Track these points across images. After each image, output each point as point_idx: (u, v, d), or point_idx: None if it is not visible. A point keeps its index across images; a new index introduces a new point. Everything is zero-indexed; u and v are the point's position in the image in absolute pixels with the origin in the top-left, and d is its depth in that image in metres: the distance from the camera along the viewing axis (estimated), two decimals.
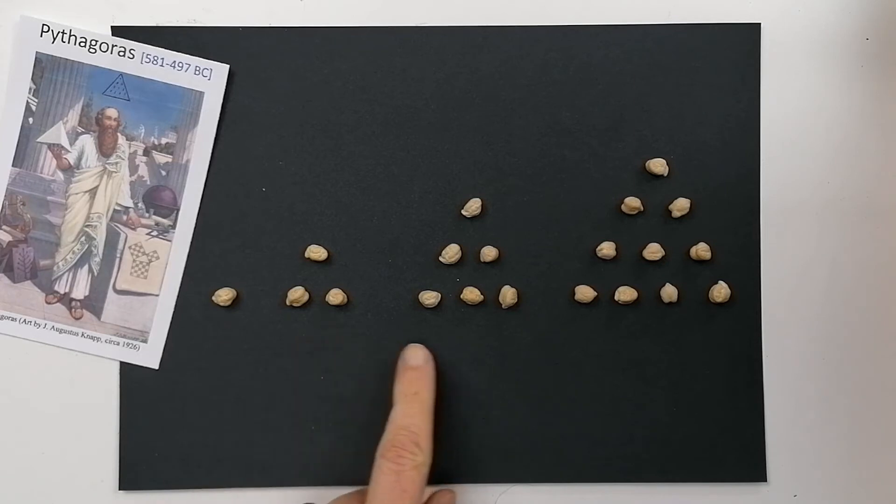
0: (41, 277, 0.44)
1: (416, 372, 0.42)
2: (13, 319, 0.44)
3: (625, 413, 0.44)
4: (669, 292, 0.43)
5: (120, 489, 0.43)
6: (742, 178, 0.44)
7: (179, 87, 0.43)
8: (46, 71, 0.43)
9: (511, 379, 0.44)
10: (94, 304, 0.44)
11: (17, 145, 0.43)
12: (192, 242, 0.44)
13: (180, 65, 0.43)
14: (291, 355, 0.44)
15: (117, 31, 0.43)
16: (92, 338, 0.44)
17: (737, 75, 0.44)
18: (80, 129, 0.43)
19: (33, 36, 0.43)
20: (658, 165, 0.43)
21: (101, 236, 0.44)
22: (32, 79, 0.43)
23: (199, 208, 0.43)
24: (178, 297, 0.44)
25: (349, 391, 0.44)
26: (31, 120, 0.43)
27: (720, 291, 0.43)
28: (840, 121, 0.44)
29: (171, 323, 0.44)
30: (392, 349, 0.43)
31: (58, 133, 0.43)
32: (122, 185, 0.44)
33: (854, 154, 0.44)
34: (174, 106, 0.43)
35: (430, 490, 0.42)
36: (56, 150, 0.43)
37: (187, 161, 0.43)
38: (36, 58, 0.43)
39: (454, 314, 0.44)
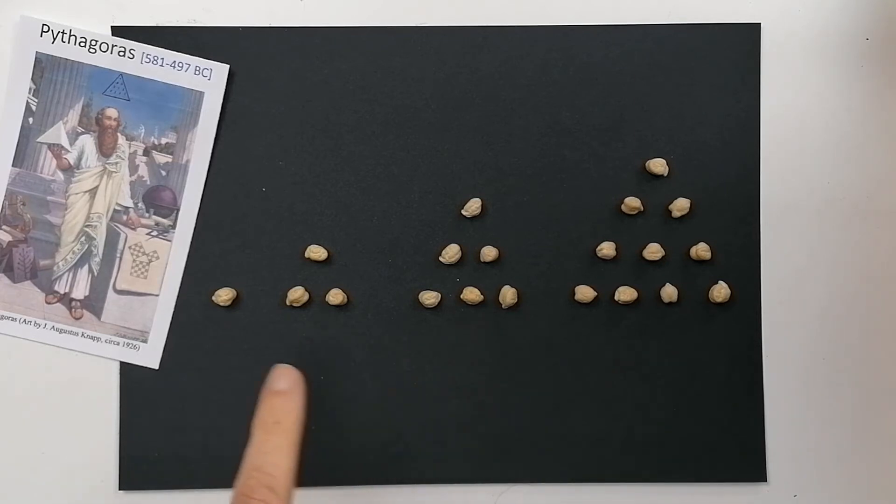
0: (41, 277, 0.44)
1: (279, 398, 0.37)
2: (13, 319, 0.44)
3: (625, 413, 0.44)
4: (669, 292, 0.43)
5: (120, 489, 0.43)
6: (742, 178, 0.44)
7: (179, 87, 0.43)
8: (46, 71, 0.43)
9: (511, 379, 0.44)
10: (94, 304, 0.44)
11: (17, 145, 0.43)
12: (192, 242, 0.44)
13: (180, 65, 0.43)
14: (291, 355, 0.44)
15: (117, 31, 0.43)
16: (92, 338, 0.44)
17: (737, 75, 0.44)
18: (80, 129, 0.43)
19: (33, 36, 0.43)
20: (658, 165, 0.43)
21: (101, 236, 0.44)
22: (32, 79, 0.43)
23: (199, 208, 0.43)
24: (178, 297, 0.44)
25: (349, 391, 0.44)
26: (31, 120, 0.43)
27: (720, 291, 0.43)
28: (840, 121, 0.44)
29: (171, 323, 0.44)
30: (392, 349, 0.43)
31: (58, 133, 0.43)
32: (122, 185, 0.44)
33: (854, 154, 0.44)
34: (174, 106, 0.43)
35: None
36: (56, 150, 0.43)
37: (187, 161, 0.43)
38: (36, 58, 0.43)
39: (454, 314, 0.44)
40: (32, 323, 0.44)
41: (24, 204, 0.43)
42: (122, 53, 0.43)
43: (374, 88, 0.44)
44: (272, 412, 0.36)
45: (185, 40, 0.43)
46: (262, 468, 0.34)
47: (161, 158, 0.43)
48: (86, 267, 0.44)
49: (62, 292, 0.44)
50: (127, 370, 0.44)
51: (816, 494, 0.44)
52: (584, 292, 0.43)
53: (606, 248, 0.43)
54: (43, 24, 0.43)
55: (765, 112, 0.44)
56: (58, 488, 0.44)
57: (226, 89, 0.43)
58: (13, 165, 0.43)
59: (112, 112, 0.43)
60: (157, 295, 0.44)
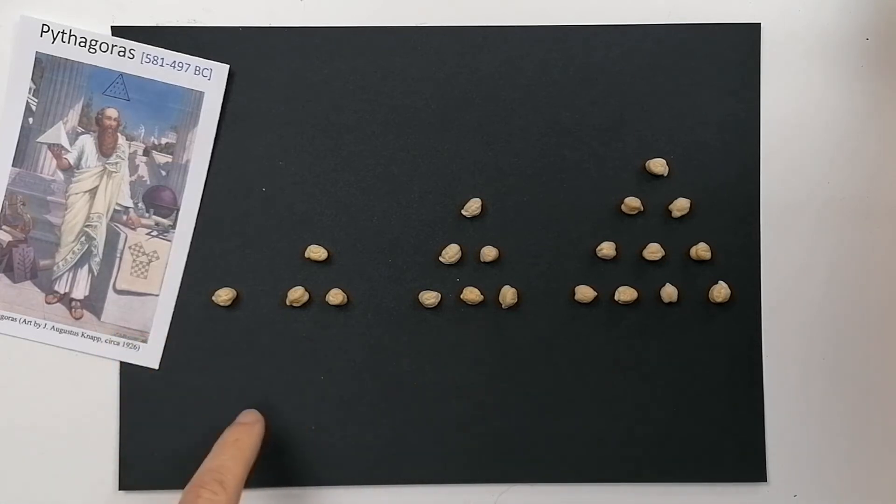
0: (41, 277, 0.44)
1: (242, 426, 0.42)
2: (13, 319, 0.44)
3: (625, 413, 0.44)
4: (669, 292, 0.43)
5: (120, 489, 0.43)
6: (742, 178, 0.44)
7: (179, 87, 0.43)
8: (46, 71, 0.43)
9: (511, 379, 0.44)
10: (94, 304, 0.44)
11: (17, 145, 0.43)
12: (192, 242, 0.44)
13: (180, 65, 0.43)
14: (291, 355, 0.44)
15: (117, 31, 0.43)
16: (92, 338, 0.44)
17: (737, 75, 0.44)
18: (80, 129, 0.43)
19: (33, 36, 0.43)
20: (658, 165, 0.43)
21: (101, 236, 0.44)
22: (32, 79, 0.43)
23: (199, 208, 0.43)
24: (178, 297, 0.44)
25: (349, 391, 0.44)
26: (31, 120, 0.43)
27: (720, 291, 0.43)
28: (840, 121, 0.44)
29: (171, 323, 0.44)
30: (392, 349, 0.43)
31: (58, 133, 0.43)
32: (122, 185, 0.44)
33: (853, 154, 0.44)
34: (174, 106, 0.43)
35: None
36: (56, 150, 0.43)
37: (187, 161, 0.43)
38: (36, 58, 0.43)
39: (454, 314, 0.44)
40: (32, 323, 0.44)
41: (24, 204, 0.43)
42: (122, 53, 0.43)
43: (374, 88, 0.44)
44: (232, 434, 0.41)
45: (185, 40, 0.43)
46: (216, 469, 0.39)
47: (161, 158, 0.43)
48: (86, 267, 0.44)
49: (62, 292, 0.44)
50: (127, 370, 0.44)
51: (816, 494, 0.44)
52: (584, 292, 0.43)
53: (606, 248, 0.43)
54: (43, 24, 0.43)
55: (765, 112, 0.44)
56: (58, 488, 0.44)
57: (226, 89, 0.43)
58: (13, 165, 0.43)
59: (112, 112, 0.43)
60: (157, 295, 0.44)
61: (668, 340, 0.44)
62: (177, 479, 0.43)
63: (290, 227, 0.44)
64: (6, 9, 0.43)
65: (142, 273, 0.44)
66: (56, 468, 0.44)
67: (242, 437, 0.41)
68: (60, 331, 0.44)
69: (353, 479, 0.44)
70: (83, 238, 0.44)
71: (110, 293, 0.44)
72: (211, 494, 0.37)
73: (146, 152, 0.43)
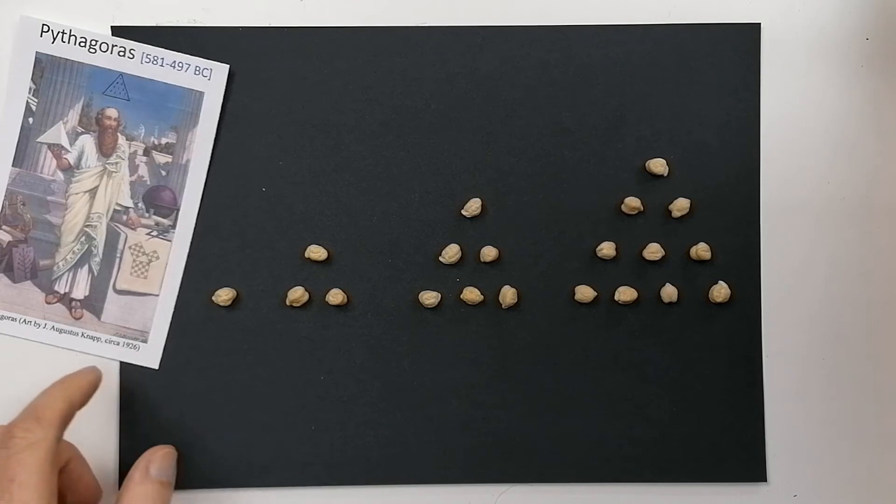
0: (41, 277, 0.44)
1: (76, 371, 0.41)
2: (13, 319, 0.44)
3: (625, 413, 0.44)
4: (669, 292, 0.43)
5: (120, 489, 0.43)
6: (742, 178, 0.44)
7: (179, 87, 0.43)
8: (46, 71, 0.43)
9: (511, 379, 0.44)
10: (94, 304, 0.44)
11: (17, 145, 0.43)
12: (192, 242, 0.44)
13: (180, 65, 0.43)
14: (291, 355, 0.44)
15: (117, 31, 0.43)
16: (92, 338, 0.44)
17: (737, 75, 0.44)
18: (80, 129, 0.43)
19: (33, 36, 0.43)
20: (658, 165, 0.43)
21: (101, 236, 0.44)
22: (32, 79, 0.43)
23: (199, 208, 0.43)
24: (178, 297, 0.44)
25: (349, 391, 0.44)
26: (31, 120, 0.43)
27: (720, 291, 0.43)
28: (840, 121, 0.44)
29: (171, 323, 0.44)
30: (392, 349, 0.43)
31: (58, 133, 0.43)
32: (122, 185, 0.44)
33: (853, 154, 0.44)
34: (174, 106, 0.43)
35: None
36: (56, 150, 0.43)
37: (187, 161, 0.43)
38: (36, 58, 0.43)
39: (454, 314, 0.44)
40: (32, 323, 0.44)
41: (24, 204, 0.43)
42: (122, 53, 0.43)
43: (374, 88, 0.44)
44: (63, 377, 0.40)
45: (185, 40, 0.43)
46: (33, 407, 0.38)
47: (161, 158, 0.43)
48: (86, 267, 0.44)
49: (62, 292, 0.44)
50: (127, 370, 0.44)
51: (816, 494, 0.44)
52: (584, 292, 0.43)
53: (606, 248, 0.43)
54: (43, 24, 0.43)
55: (765, 112, 0.44)
56: None
57: (226, 89, 0.43)
58: (13, 165, 0.43)
59: (112, 112, 0.43)
60: (157, 295, 0.44)
61: (668, 340, 0.44)
62: (176, 478, 0.43)
63: (290, 227, 0.44)
64: (6, 9, 0.43)
65: (142, 273, 0.44)
66: None
67: (67, 378, 0.40)
68: (60, 331, 0.44)
69: (353, 479, 0.44)
70: (83, 238, 0.44)
71: (110, 293, 0.44)
72: (24, 432, 0.36)
73: (146, 152, 0.43)
